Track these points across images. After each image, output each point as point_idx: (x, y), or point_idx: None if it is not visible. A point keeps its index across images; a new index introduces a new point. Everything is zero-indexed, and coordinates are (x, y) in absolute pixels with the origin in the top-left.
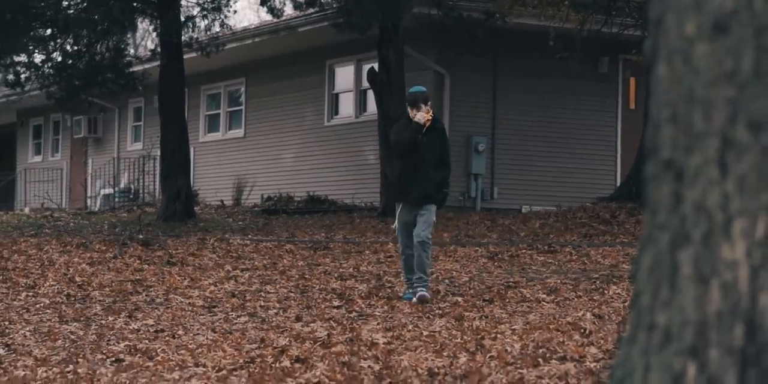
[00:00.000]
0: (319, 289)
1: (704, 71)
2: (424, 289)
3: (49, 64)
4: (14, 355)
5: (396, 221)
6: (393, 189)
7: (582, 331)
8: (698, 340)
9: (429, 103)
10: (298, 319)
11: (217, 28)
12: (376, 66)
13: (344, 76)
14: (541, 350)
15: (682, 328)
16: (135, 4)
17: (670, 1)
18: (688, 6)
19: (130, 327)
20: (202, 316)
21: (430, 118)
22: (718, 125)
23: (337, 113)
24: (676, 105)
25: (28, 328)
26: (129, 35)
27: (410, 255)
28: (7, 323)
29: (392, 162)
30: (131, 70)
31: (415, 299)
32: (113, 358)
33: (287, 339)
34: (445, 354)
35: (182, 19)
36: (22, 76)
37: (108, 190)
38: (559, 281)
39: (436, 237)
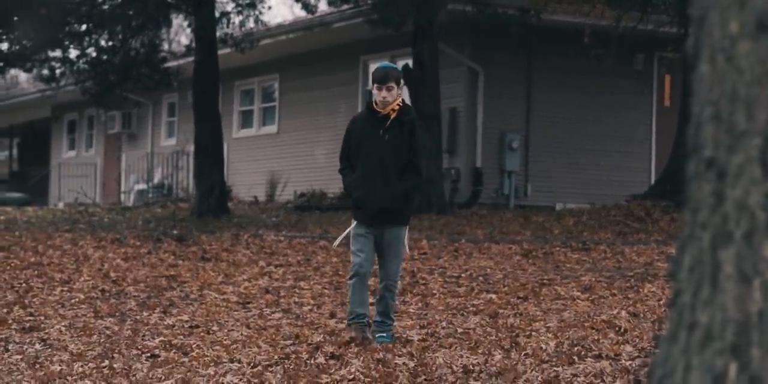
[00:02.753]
0: None
1: (747, 70)
2: (386, 335)
3: (84, 60)
4: (50, 350)
5: (340, 238)
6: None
7: (617, 329)
8: (740, 339)
9: (402, 86)
10: (333, 315)
11: (251, 24)
12: (410, 62)
13: None
14: (576, 348)
15: (724, 327)
16: (170, 0)
17: None
18: (731, 4)
19: (165, 322)
20: (236, 312)
21: (397, 107)
22: (761, 124)
23: None
24: (719, 104)
25: (63, 323)
26: (163, 31)
27: (363, 279)
28: (42, 318)
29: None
30: (166, 65)
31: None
32: (148, 354)
33: (322, 335)
34: (479, 351)
35: (217, 15)
36: (57, 71)
37: (142, 186)
38: (593, 279)
39: (469, 234)
